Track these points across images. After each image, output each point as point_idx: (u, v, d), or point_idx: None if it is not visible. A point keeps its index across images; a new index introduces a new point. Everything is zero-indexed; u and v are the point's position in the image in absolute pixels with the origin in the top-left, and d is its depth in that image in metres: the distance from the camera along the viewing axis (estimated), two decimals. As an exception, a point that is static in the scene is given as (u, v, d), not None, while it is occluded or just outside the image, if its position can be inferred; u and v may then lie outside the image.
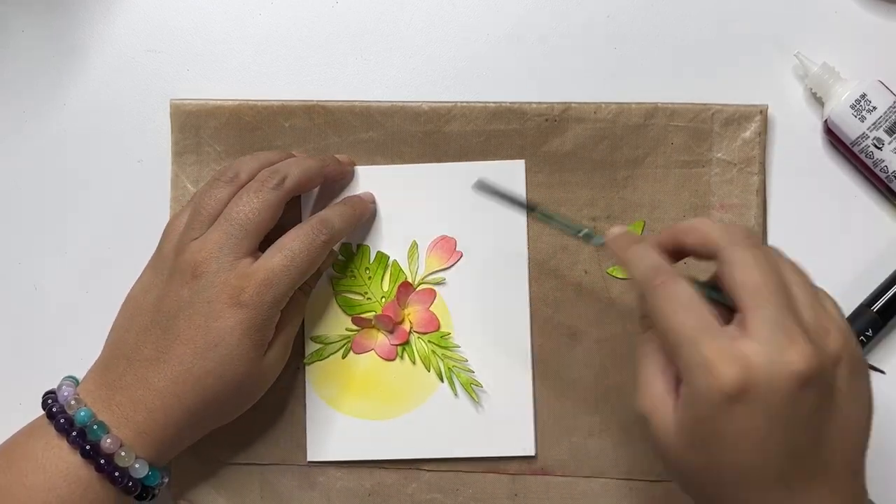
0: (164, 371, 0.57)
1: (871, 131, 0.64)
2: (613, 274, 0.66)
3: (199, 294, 0.58)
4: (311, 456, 0.65)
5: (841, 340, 0.48)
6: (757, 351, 0.46)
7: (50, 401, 0.58)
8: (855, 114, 0.64)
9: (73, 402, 0.57)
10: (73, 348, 0.66)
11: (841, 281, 0.66)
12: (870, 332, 0.64)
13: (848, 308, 0.65)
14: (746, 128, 0.66)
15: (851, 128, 0.64)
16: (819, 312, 0.49)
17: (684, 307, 0.48)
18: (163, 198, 0.66)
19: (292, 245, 0.59)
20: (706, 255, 0.51)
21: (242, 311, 0.57)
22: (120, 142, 0.67)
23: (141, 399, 0.57)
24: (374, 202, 0.65)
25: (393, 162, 0.66)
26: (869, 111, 0.64)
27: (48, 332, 0.67)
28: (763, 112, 0.66)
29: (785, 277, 0.49)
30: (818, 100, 0.66)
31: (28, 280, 0.67)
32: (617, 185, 0.66)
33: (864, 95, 0.64)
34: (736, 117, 0.65)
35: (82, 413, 0.56)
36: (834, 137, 0.65)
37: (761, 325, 0.47)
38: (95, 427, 0.56)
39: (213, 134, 0.66)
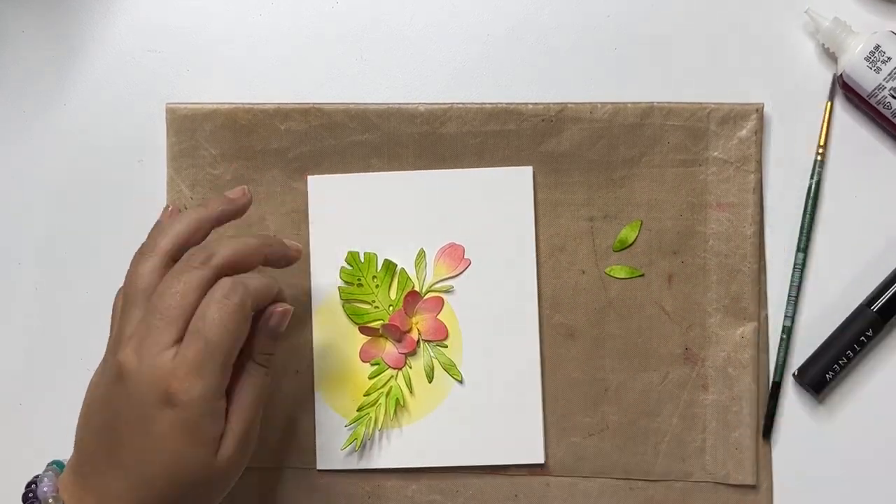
0: (119, 477, 0.53)
1: (887, 82, 0.63)
2: (611, 274, 0.66)
3: (129, 398, 0.53)
4: (321, 465, 0.65)
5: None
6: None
7: (31, 495, 0.55)
8: (870, 66, 0.63)
9: (50, 501, 0.53)
10: (72, 348, 0.67)
11: (843, 281, 0.66)
12: (870, 332, 0.64)
13: (848, 308, 0.65)
14: (742, 126, 0.65)
15: (867, 80, 0.64)
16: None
17: None
18: (163, 198, 0.66)
19: (202, 325, 0.53)
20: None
21: (173, 411, 0.52)
22: (120, 142, 0.67)
23: (106, 502, 0.53)
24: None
25: (389, 164, 0.66)
26: (884, 62, 0.63)
27: (48, 332, 0.67)
28: (759, 110, 0.65)
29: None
30: (831, 55, 0.66)
31: (28, 280, 0.67)
32: (614, 184, 0.66)
33: (878, 47, 0.63)
34: (732, 116, 0.65)
35: None
36: (850, 91, 0.65)
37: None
38: None
39: (208, 137, 0.66)
